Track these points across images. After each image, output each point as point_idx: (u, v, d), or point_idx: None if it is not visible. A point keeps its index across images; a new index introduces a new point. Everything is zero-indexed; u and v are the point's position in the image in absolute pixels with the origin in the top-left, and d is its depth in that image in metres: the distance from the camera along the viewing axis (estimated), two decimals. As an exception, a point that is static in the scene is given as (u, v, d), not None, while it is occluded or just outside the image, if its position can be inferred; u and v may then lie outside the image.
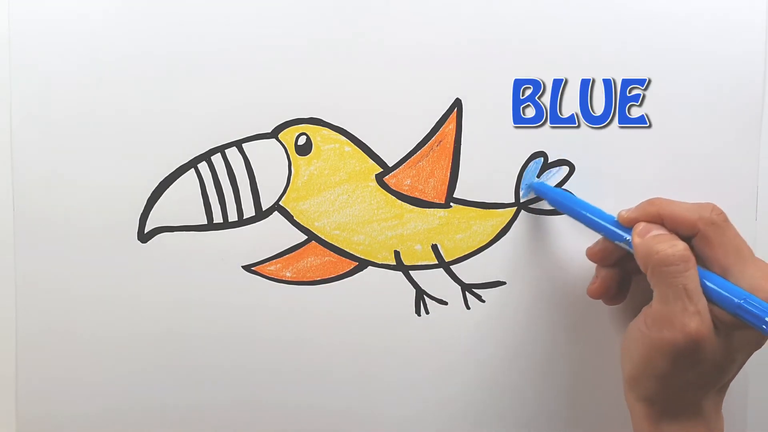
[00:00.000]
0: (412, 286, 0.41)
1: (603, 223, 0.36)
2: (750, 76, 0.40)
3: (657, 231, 0.34)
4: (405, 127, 0.40)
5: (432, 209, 0.40)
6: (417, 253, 0.40)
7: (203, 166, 0.39)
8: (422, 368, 0.41)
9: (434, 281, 0.41)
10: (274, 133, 0.40)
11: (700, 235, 0.33)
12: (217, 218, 0.40)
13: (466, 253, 0.40)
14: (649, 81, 0.39)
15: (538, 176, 0.40)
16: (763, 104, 0.40)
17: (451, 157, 0.40)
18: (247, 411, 0.41)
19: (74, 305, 0.40)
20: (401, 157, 0.40)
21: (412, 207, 0.40)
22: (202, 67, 0.39)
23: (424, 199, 0.40)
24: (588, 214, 0.37)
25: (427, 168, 0.40)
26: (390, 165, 0.40)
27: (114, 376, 0.41)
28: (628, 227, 0.35)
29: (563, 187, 0.40)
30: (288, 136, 0.40)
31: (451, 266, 0.41)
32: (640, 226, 0.34)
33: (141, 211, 0.40)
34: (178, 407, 0.41)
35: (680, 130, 0.40)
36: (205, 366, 0.41)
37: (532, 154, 0.40)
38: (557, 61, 0.39)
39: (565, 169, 0.40)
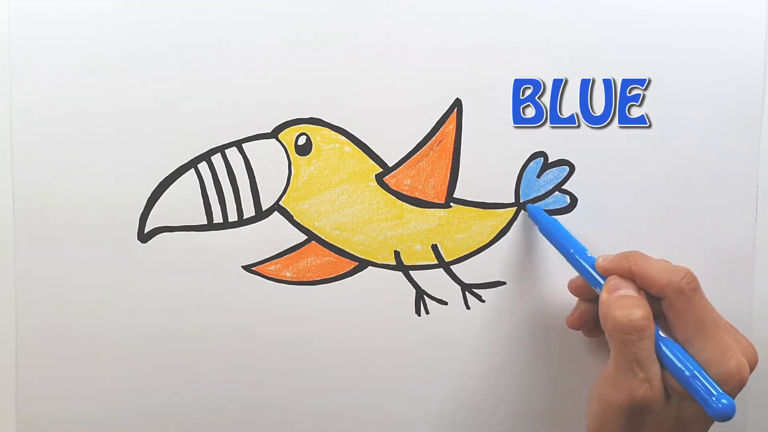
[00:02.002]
0: (412, 286, 0.41)
1: (584, 264, 0.36)
2: (750, 76, 0.40)
3: (624, 291, 0.33)
4: (405, 127, 0.40)
5: (432, 209, 0.40)
6: (417, 253, 0.40)
7: (203, 166, 0.39)
8: (422, 368, 0.41)
9: (434, 281, 0.41)
10: (274, 133, 0.40)
11: (667, 299, 0.33)
12: (217, 218, 0.40)
13: (466, 253, 0.40)
14: (649, 81, 0.39)
15: (538, 176, 0.40)
16: (763, 104, 0.40)
17: (451, 157, 0.40)
18: (247, 411, 0.41)
19: (74, 305, 0.40)
20: (401, 157, 0.40)
21: (412, 207, 0.40)
22: (202, 67, 0.39)
23: (424, 199, 0.40)
24: (572, 252, 0.37)
25: (427, 168, 0.40)
26: (390, 165, 0.40)
27: (114, 376, 0.41)
28: (604, 276, 0.35)
29: (564, 187, 0.40)
30: (288, 136, 0.40)
31: (451, 266, 0.41)
32: (611, 281, 0.34)
33: (141, 211, 0.40)
34: (178, 407, 0.41)
35: (680, 130, 0.40)
36: (205, 366, 0.41)
37: (532, 154, 0.40)
38: (557, 61, 0.39)
39: (565, 169, 0.40)
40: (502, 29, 0.39)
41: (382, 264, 0.40)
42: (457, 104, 0.39)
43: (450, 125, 0.40)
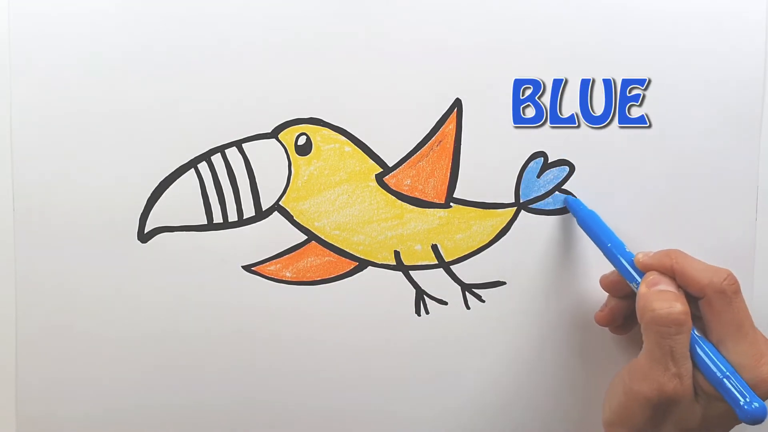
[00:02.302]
0: (412, 286, 0.41)
1: (621, 259, 0.36)
2: (750, 76, 0.40)
3: (664, 286, 0.34)
4: (405, 127, 0.40)
5: (432, 209, 0.40)
6: (417, 253, 0.40)
7: (203, 166, 0.39)
8: (422, 368, 0.41)
9: (434, 281, 0.41)
10: (274, 133, 0.40)
11: (706, 299, 0.33)
12: (217, 218, 0.40)
13: (466, 253, 0.40)
14: (649, 81, 0.39)
15: (538, 176, 0.40)
16: (763, 104, 0.40)
17: (451, 157, 0.40)
18: (247, 411, 0.41)
19: (74, 305, 0.40)
20: (401, 157, 0.40)
21: (412, 207, 0.40)
22: (202, 67, 0.39)
23: (424, 199, 0.40)
24: (610, 246, 0.37)
25: (427, 168, 0.40)
26: (390, 165, 0.40)
27: (114, 376, 0.41)
28: (643, 271, 0.35)
29: (564, 187, 0.40)
30: (288, 136, 0.40)
31: (451, 266, 0.41)
32: (651, 276, 0.34)
33: (141, 211, 0.40)
34: (178, 407, 0.41)
35: (680, 130, 0.40)
36: (205, 366, 0.41)
37: (532, 154, 0.40)
38: (557, 61, 0.39)
39: (565, 169, 0.40)
40: (502, 29, 0.39)
41: (382, 264, 0.40)
42: (457, 104, 0.39)
43: (450, 125, 0.40)
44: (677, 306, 0.32)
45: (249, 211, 0.40)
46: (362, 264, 0.40)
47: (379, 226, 0.40)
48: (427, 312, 0.41)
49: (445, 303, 0.41)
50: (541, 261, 0.40)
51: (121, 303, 0.40)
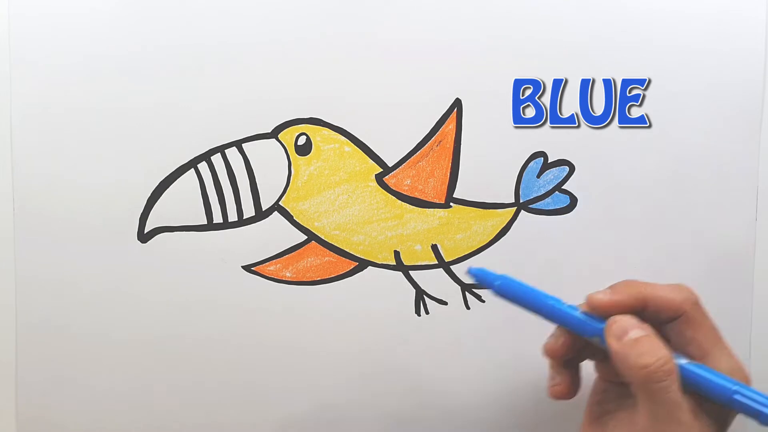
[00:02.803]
0: (412, 286, 0.41)
1: (571, 314, 0.31)
2: (750, 75, 0.40)
3: (635, 332, 0.29)
4: (405, 127, 0.40)
5: (432, 209, 0.40)
6: (417, 253, 0.40)
7: (203, 166, 0.39)
8: (422, 368, 0.41)
9: (434, 281, 0.41)
10: (274, 133, 0.40)
11: (685, 317, 0.30)
12: (217, 218, 0.40)
13: (466, 253, 0.40)
14: (649, 81, 0.39)
15: (538, 176, 0.40)
16: (763, 104, 0.40)
17: (451, 157, 0.40)
18: (247, 410, 0.41)
19: (74, 305, 0.40)
20: (401, 157, 0.40)
21: (412, 207, 0.40)
22: (202, 66, 0.39)
23: (424, 199, 0.40)
24: (552, 304, 0.32)
25: (427, 168, 0.40)
26: (390, 165, 0.40)
27: (114, 376, 0.41)
28: (603, 315, 0.31)
29: (564, 187, 0.40)
30: (288, 136, 0.40)
31: (451, 266, 0.41)
32: (614, 325, 0.30)
33: (141, 211, 0.40)
34: (178, 407, 0.41)
35: (680, 130, 0.40)
36: (204, 366, 0.41)
37: (532, 154, 0.40)
38: (557, 61, 0.39)
39: (565, 169, 0.40)
40: (502, 29, 0.39)
41: (382, 264, 0.40)
42: (457, 104, 0.39)
43: (450, 125, 0.40)
44: (663, 353, 0.29)
45: (249, 211, 0.40)
46: (362, 264, 0.40)
47: (379, 226, 0.40)
48: (427, 312, 0.41)
49: (445, 303, 0.41)
50: (541, 261, 0.40)
51: (121, 303, 0.40)
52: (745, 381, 0.30)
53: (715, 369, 0.30)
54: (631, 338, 0.29)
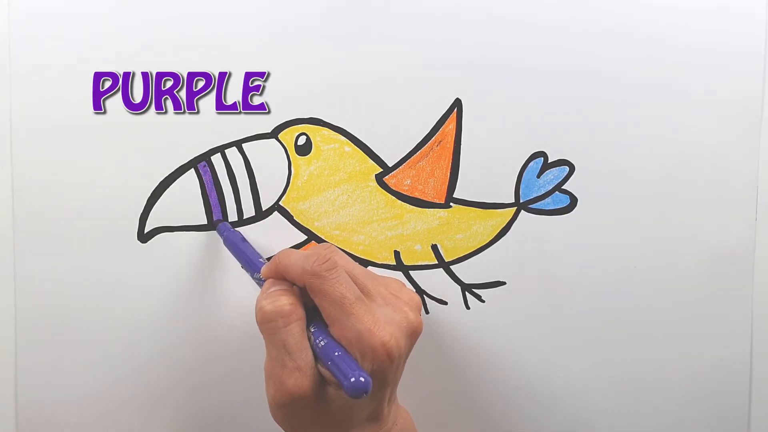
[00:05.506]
0: (412, 286, 0.41)
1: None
2: (750, 76, 0.40)
3: (274, 287, 0.33)
4: (405, 127, 0.40)
5: (432, 209, 0.40)
6: (417, 253, 0.40)
7: (203, 166, 0.39)
8: (422, 368, 0.41)
9: (434, 281, 0.41)
10: (274, 133, 0.40)
11: (307, 286, 0.32)
12: (217, 218, 0.40)
13: (466, 253, 0.40)
14: (649, 81, 0.39)
15: (538, 176, 0.40)
16: (763, 104, 0.40)
17: (451, 157, 0.40)
18: (247, 411, 0.41)
19: (74, 305, 0.40)
20: (401, 157, 0.40)
21: (412, 207, 0.40)
22: (202, 66, 0.39)
23: (424, 199, 0.40)
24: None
25: (427, 168, 0.40)
26: (390, 165, 0.40)
27: (114, 376, 0.41)
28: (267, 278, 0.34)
29: (564, 187, 0.40)
30: (288, 136, 0.40)
31: (451, 266, 0.41)
32: (265, 285, 0.34)
33: (141, 211, 0.40)
34: (179, 407, 0.41)
35: (680, 130, 0.40)
36: (205, 366, 0.41)
37: (532, 154, 0.40)
38: (557, 60, 0.39)
39: (565, 169, 0.40)
40: (502, 29, 0.39)
41: (382, 264, 0.40)
42: (457, 104, 0.39)
43: (450, 125, 0.40)
44: (281, 299, 0.32)
45: (249, 211, 0.40)
46: (362, 264, 0.40)
47: (379, 226, 0.40)
48: (427, 312, 0.41)
49: (445, 303, 0.41)
50: (541, 261, 0.40)
51: (121, 303, 0.40)
52: (372, 350, 0.30)
53: (340, 336, 0.31)
54: (264, 291, 0.33)
